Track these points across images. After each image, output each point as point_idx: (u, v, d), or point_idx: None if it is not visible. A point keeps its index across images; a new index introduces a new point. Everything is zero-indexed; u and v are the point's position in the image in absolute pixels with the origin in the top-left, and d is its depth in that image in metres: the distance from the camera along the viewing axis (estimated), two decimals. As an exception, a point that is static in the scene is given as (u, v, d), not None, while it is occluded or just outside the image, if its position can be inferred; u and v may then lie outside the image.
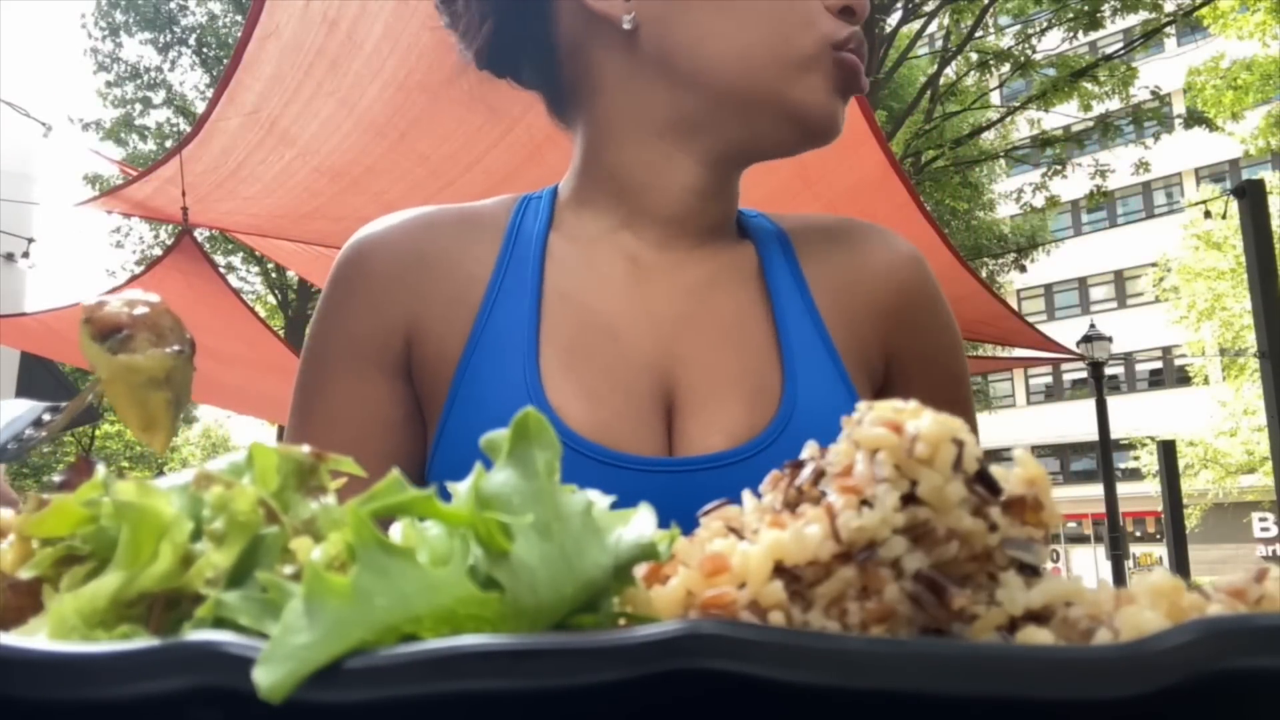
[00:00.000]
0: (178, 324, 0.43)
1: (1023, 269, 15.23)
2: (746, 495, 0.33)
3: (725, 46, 0.75)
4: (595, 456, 0.70)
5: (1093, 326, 11.82)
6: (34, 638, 0.26)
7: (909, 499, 0.27)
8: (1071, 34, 12.27)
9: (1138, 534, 24.71)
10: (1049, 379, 27.53)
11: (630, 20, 0.76)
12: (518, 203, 0.85)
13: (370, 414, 0.77)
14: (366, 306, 0.78)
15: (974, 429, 0.85)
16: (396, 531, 0.28)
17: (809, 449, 0.32)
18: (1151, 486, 19.27)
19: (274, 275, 14.77)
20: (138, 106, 15.30)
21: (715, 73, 0.75)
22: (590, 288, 0.79)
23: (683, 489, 0.69)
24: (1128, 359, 25.93)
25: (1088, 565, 23.79)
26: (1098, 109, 12.54)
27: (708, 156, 0.79)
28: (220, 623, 0.25)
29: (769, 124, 0.76)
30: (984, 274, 13.67)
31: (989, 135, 14.22)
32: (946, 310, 0.86)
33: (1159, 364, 26.03)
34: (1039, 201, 13.57)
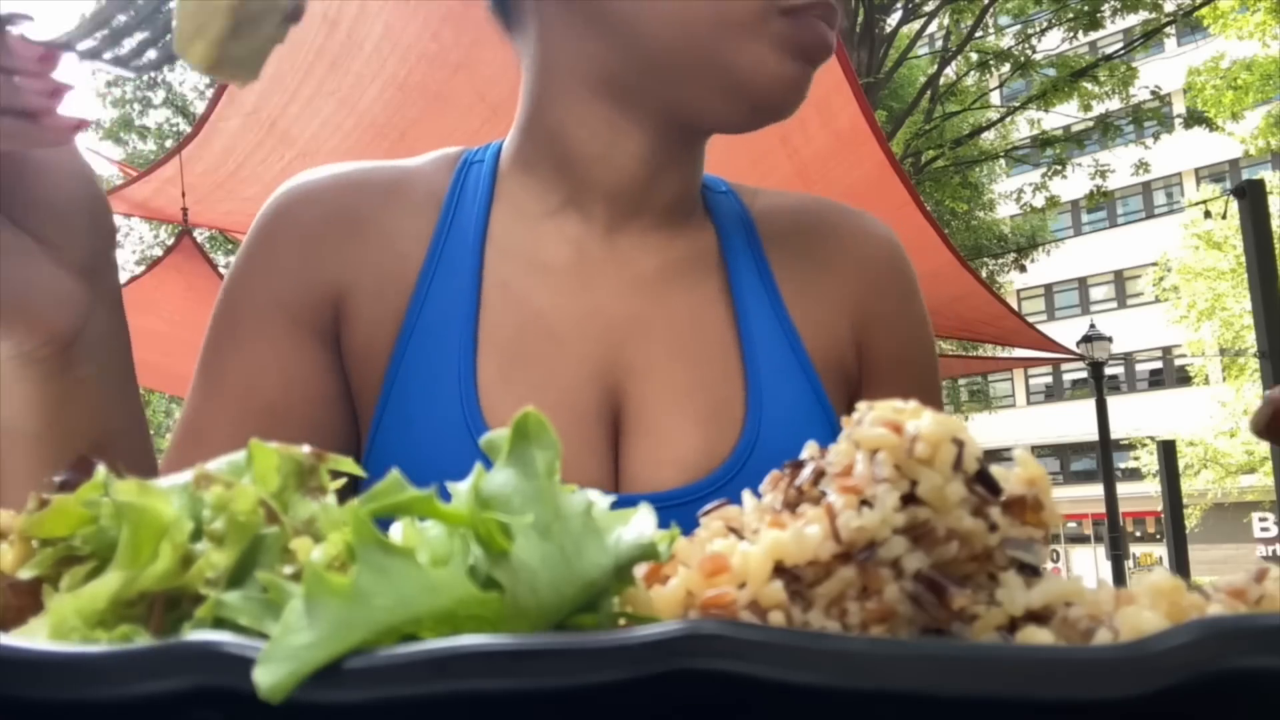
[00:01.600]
0: None
1: (1023, 269, 15.24)
2: (746, 495, 0.33)
3: (661, 4, 0.65)
4: None
5: (1093, 326, 11.83)
6: (34, 638, 0.26)
7: (909, 499, 0.27)
8: (1071, 34, 12.29)
9: (1138, 534, 24.72)
10: (1049, 379, 27.53)
11: None
12: (458, 166, 0.76)
13: (296, 378, 0.69)
14: (294, 261, 0.71)
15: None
16: (396, 531, 0.28)
17: (808, 449, 0.32)
18: (1151, 486, 19.27)
19: (274, 275, 14.74)
20: (137, 106, 15.30)
21: (650, 33, 0.66)
22: (532, 280, 0.71)
23: None
24: (1128, 359, 25.94)
25: (1088, 565, 23.80)
26: (1098, 109, 12.55)
27: (653, 123, 0.70)
28: (220, 623, 0.25)
29: (711, 93, 0.67)
30: (984, 274, 13.67)
31: (989, 135, 14.23)
32: (921, 300, 0.80)
33: (1159, 364, 26.05)
34: (1039, 201, 13.58)
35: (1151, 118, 12.80)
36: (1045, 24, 12.42)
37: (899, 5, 12.04)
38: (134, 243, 15.96)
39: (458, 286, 0.70)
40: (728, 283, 0.74)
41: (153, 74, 15.04)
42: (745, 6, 0.64)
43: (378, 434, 0.68)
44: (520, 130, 0.75)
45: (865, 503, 0.27)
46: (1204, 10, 12.37)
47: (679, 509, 0.64)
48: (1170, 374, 25.64)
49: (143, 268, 7.94)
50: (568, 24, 0.69)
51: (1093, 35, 13.06)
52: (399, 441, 0.68)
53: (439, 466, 0.65)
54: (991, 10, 12.24)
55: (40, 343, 0.53)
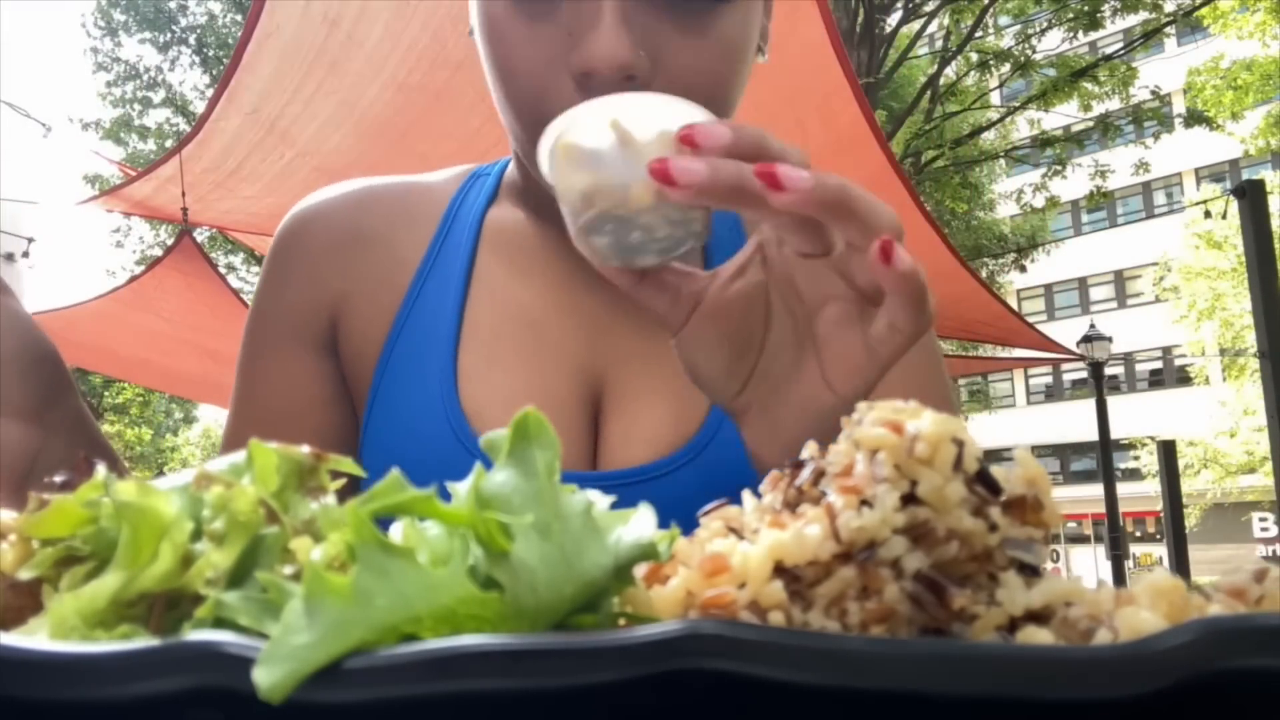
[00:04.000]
0: None
1: (1023, 269, 15.23)
2: (746, 495, 0.33)
3: (496, 98, 0.67)
4: None
5: (1093, 326, 11.83)
6: (34, 638, 0.26)
7: (909, 499, 0.27)
8: (1071, 34, 12.28)
9: (1138, 534, 24.72)
10: (1049, 379, 27.53)
11: (471, 31, 0.69)
12: (467, 177, 0.81)
13: (301, 390, 0.75)
14: (300, 281, 0.76)
15: (951, 401, 0.82)
16: (396, 531, 0.28)
17: (808, 449, 0.32)
18: (1151, 486, 19.26)
19: (274, 275, 14.73)
20: (137, 106, 15.30)
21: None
22: (518, 276, 0.75)
23: None
24: (1128, 359, 25.93)
25: (1088, 565, 23.79)
26: (1098, 109, 12.54)
27: None
28: (220, 623, 0.25)
29: None
30: (984, 274, 13.67)
31: (989, 135, 14.22)
32: None
33: (1159, 364, 26.05)
34: (1039, 201, 13.58)
35: (1151, 118, 12.79)
36: (1045, 24, 12.41)
37: (899, 5, 12.03)
38: (134, 243, 15.96)
39: (448, 285, 0.74)
40: (704, 261, 0.77)
41: (153, 74, 15.05)
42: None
43: (368, 428, 0.72)
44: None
45: (865, 503, 0.27)
46: (1204, 10, 12.36)
47: (648, 484, 0.68)
48: (1170, 374, 25.64)
49: (143, 268, 7.94)
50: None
51: (1093, 35, 13.05)
52: (386, 434, 0.71)
53: (420, 457, 0.69)
54: (991, 10, 12.23)
55: None
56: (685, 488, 0.69)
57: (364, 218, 0.77)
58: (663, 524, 0.30)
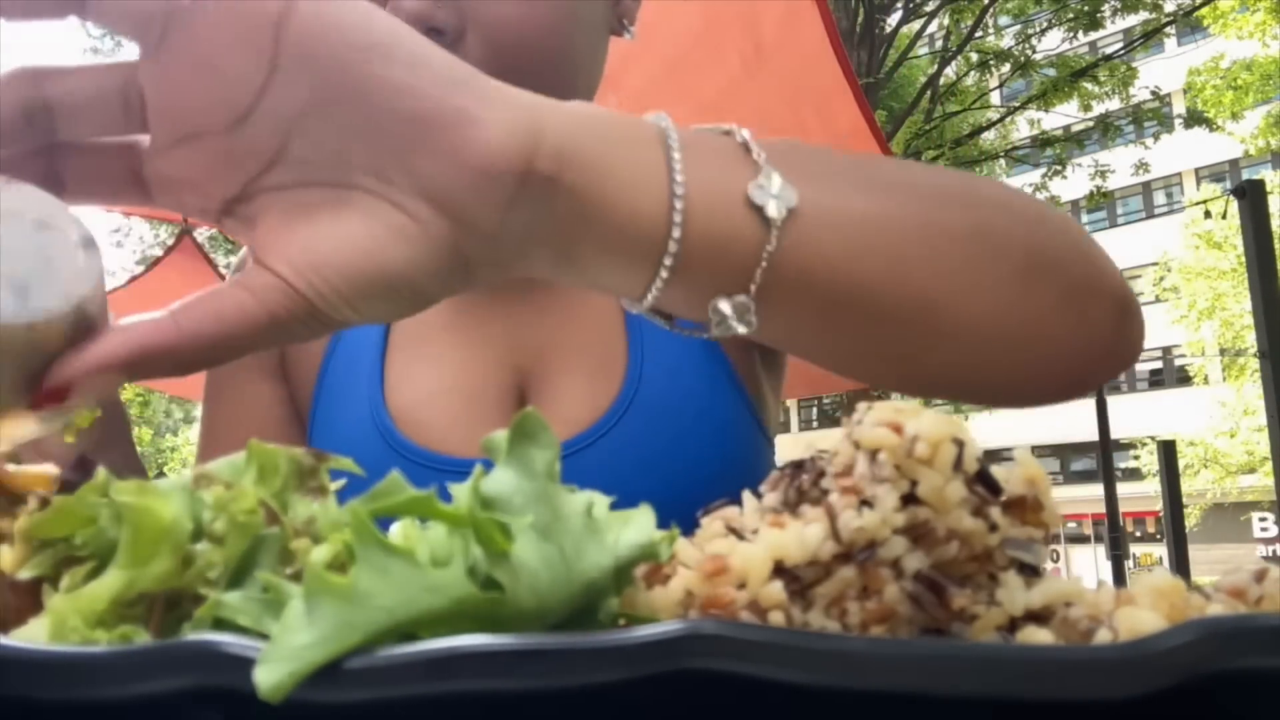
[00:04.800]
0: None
1: (1023, 269, 15.18)
2: (746, 496, 0.33)
3: None
4: (428, 464, 0.69)
5: (1093, 326, 11.77)
6: (34, 638, 0.26)
7: (909, 499, 0.27)
8: (1071, 34, 12.27)
9: (1138, 534, 24.70)
10: (1049, 379, 27.42)
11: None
12: None
13: (262, 415, 0.78)
14: None
15: None
16: (396, 531, 0.28)
17: (808, 450, 0.32)
18: (1151, 486, 19.25)
19: (274, 275, 14.74)
20: (138, 106, 15.27)
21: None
22: None
23: None
24: (1128, 359, 25.87)
25: (1088, 565, 23.78)
26: (1098, 109, 12.53)
27: None
28: (220, 623, 0.25)
29: None
30: (984, 274, 13.59)
31: (989, 135, 14.21)
32: None
33: (1159, 364, 26.03)
34: (1039, 201, 13.53)
35: (1151, 118, 12.79)
36: (1045, 24, 12.41)
37: (899, 5, 12.03)
38: (134, 243, 15.98)
39: None
40: None
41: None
42: None
43: (311, 443, 0.75)
44: None
45: (865, 503, 0.27)
46: (1204, 10, 12.36)
47: (570, 459, 0.68)
48: (1170, 374, 25.63)
49: (143, 268, 7.94)
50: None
51: (1093, 35, 13.05)
52: (324, 441, 0.74)
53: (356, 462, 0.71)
54: (991, 10, 12.23)
55: None
56: (605, 456, 0.71)
57: None
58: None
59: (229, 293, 0.35)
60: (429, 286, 0.37)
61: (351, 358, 0.75)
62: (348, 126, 0.35)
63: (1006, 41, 13.15)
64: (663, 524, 0.30)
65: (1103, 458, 10.65)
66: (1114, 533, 10.45)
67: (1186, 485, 18.52)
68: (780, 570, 0.27)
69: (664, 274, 0.39)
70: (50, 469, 0.34)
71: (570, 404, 0.72)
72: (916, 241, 0.43)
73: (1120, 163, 13.21)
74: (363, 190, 0.36)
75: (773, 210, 0.39)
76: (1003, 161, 14.95)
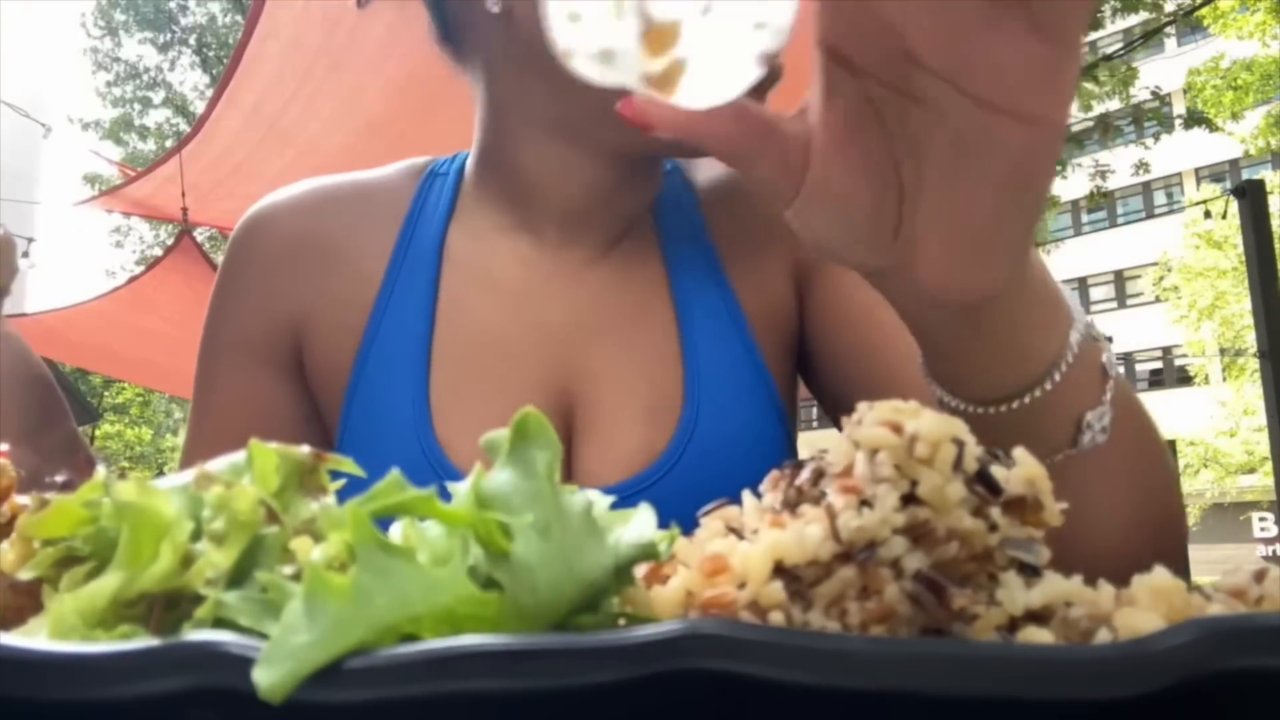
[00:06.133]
0: None
1: (1023, 269, 15.18)
2: (746, 495, 0.33)
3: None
4: None
5: (1093, 326, 11.78)
6: (34, 638, 0.26)
7: (909, 499, 0.27)
8: (1071, 34, 12.25)
9: (1138, 534, 24.63)
10: (1049, 379, 27.37)
11: (496, 3, 0.66)
12: (423, 177, 0.78)
13: (264, 410, 0.73)
14: (253, 293, 0.74)
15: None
16: (396, 531, 0.28)
17: (808, 450, 0.32)
18: (1151, 486, 19.19)
19: (274, 275, 14.73)
20: (137, 106, 15.30)
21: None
22: (484, 297, 0.73)
23: None
24: (1128, 359, 25.90)
25: (1088, 565, 23.71)
26: (1098, 109, 12.53)
27: (605, 156, 0.70)
28: (220, 623, 0.25)
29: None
30: (984, 274, 13.59)
31: (989, 135, 14.17)
32: None
33: (1159, 364, 26.02)
34: (1039, 201, 13.53)
35: (1151, 118, 12.78)
36: (1045, 24, 12.38)
37: (899, 5, 12.01)
38: (134, 243, 15.98)
39: (413, 305, 0.72)
40: (667, 267, 0.75)
41: (152, 74, 15.03)
42: None
43: (341, 453, 0.72)
44: (477, 154, 0.76)
45: (865, 503, 0.27)
46: (1204, 10, 12.35)
47: (625, 502, 0.66)
48: (1170, 374, 25.62)
49: (143, 268, 7.94)
50: (514, 68, 0.69)
51: (1093, 35, 13.05)
52: (359, 460, 0.70)
53: None
54: (991, 10, 12.20)
55: None
56: (661, 502, 0.68)
57: (320, 224, 0.75)
58: None
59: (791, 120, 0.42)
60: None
61: (388, 370, 0.71)
62: None
63: (1006, 41, 13.12)
64: None
65: (1103, 458, 10.60)
66: (1114, 533, 10.40)
67: (1186, 485, 18.52)
68: (780, 570, 0.27)
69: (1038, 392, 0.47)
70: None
71: (625, 443, 0.69)
72: (1145, 471, 0.54)
73: (1120, 163, 13.21)
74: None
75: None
76: (1003, 161, 14.90)
